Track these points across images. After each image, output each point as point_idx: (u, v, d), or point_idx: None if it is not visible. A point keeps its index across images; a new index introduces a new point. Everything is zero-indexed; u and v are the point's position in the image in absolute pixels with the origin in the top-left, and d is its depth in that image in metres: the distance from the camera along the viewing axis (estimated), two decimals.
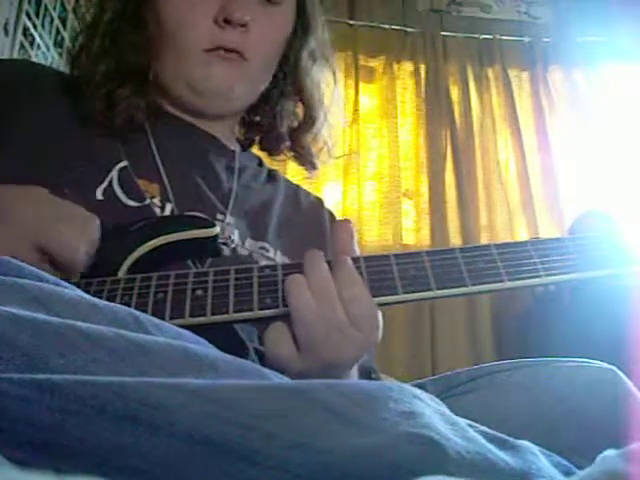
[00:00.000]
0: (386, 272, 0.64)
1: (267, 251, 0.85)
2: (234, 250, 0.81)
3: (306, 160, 0.97)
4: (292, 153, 0.97)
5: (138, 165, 0.80)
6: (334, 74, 0.97)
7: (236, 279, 0.63)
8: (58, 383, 0.34)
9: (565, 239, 0.68)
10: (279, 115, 0.94)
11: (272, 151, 0.97)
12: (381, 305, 0.63)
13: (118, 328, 0.40)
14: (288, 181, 1.02)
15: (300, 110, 0.96)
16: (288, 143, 0.96)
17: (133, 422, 0.34)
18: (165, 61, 0.84)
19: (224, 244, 0.78)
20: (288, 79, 0.94)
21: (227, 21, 0.81)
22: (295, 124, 0.96)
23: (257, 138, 0.97)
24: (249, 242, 0.84)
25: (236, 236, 0.83)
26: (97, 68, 0.82)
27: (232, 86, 0.84)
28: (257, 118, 0.96)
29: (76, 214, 0.66)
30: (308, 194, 1.02)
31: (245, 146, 0.98)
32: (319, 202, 1.02)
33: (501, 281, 0.63)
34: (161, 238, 0.69)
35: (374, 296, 0.62)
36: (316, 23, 0.94)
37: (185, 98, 0.86)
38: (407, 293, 0.63)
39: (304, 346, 0.60)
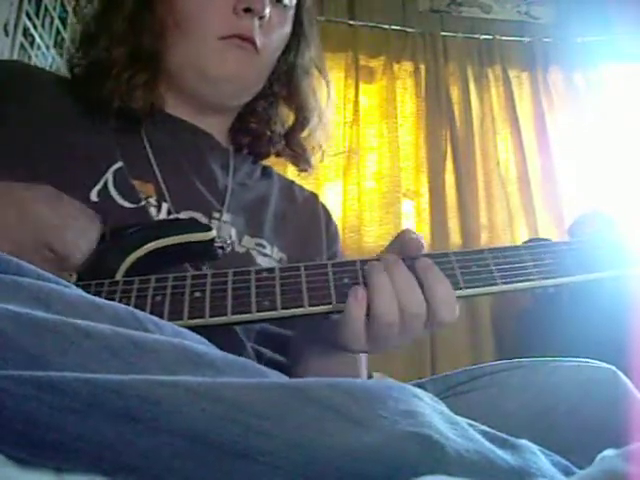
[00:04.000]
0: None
1: (264, 247, 0.85)
2: (231, 250, 0.81)
3: (301, 159, 0.97)
4: (289, 152, 0.97)
5: (133, 165, 0.80)
6: (325, 76, 0.98)
7: (234, 282, 0.63)
8: (58, 381, 0.34)
9: (561, 243, 0.68)
10: (272, 120, 0.95)
11: (261, 155, 0.98)
12: None
13: (118, 326, 0.40)
14: (282, 176, 1.02)
15: (292, 113, 0.96)
16: (281, 145, 0.96)
17: (133, 420, 0.34)
18: (177, 48, 0.84)
19: (221, 247, 0.78)
20: (282, 85, 0.95)
21: (247, 10, 0.82)
22: (288, 125, 0.96)
23: (245, 142, 0.97)
24: (246, 239, 0.84)
25: (233, 234, 0.83)
26: (118, 51, 0.82)
27: (244, 74, 0.85)
28: (248, 124, 0.96)
29: (80, 213, 0.67)
30: (302, 189, 1.02)
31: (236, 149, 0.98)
32: (314, 197, 1.03)
33: (495, 285, 0.64)
34: (158, 241, 0.69)
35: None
36: (313, 33, 0.96)
37: (192, 87, 0.86)
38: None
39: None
